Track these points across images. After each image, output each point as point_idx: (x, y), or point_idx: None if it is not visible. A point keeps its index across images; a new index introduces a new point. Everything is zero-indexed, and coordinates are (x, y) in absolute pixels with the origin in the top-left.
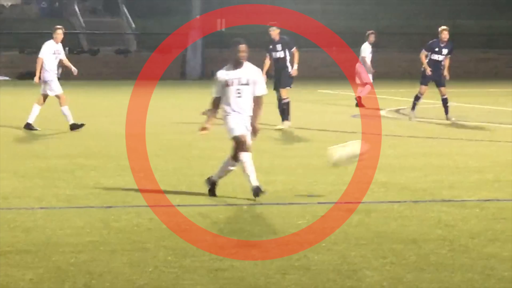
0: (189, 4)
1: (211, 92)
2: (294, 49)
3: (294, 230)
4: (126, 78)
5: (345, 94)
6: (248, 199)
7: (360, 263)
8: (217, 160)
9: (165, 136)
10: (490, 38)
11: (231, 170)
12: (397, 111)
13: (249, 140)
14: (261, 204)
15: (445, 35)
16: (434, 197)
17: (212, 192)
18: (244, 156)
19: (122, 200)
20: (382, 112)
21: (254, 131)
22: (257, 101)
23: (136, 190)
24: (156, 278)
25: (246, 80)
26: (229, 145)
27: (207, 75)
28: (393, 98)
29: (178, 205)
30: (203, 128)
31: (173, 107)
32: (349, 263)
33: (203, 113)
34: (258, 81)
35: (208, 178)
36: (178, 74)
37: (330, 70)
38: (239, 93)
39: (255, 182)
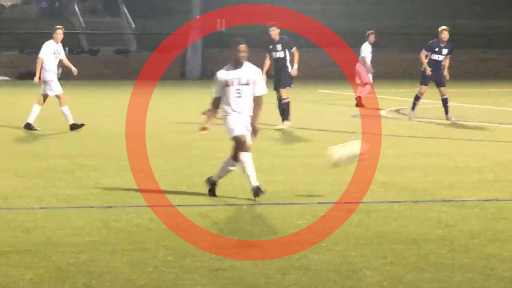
0: (189, 4)
1: (211, 92)
2: (294, 49)
3: (294, 230)
4: (126, 78)
5: (345, 94)
6: (248, 199)
7: (360, 263)
8: (217, 160)
9: (165, 136)
10: (490, 38)
11: (231, 170)
12: (397, 111)
13: (249, 140)
14: (261, 204)
15: (445, 35)
16: (434, 197)
17: (212, 192)
18: (244, 156)
19: (122, 200)
20: (382, 112)
21: (254, 131)
22: (257, 101)
23: (136, 190)
24: (156, 278)
25: (246, 80)
26: (229, 145)
27: (207, 75)
28: (393, 98)
29: (178, 205)
30: (203, 128)
31: (173, 107)
32: (349, 263)
33: (203, 113)
34: (258, 81)
35: (208, 178)
36: (178, 74)
37: (330, 70)
38: (239, 93)
39: (255, 182)
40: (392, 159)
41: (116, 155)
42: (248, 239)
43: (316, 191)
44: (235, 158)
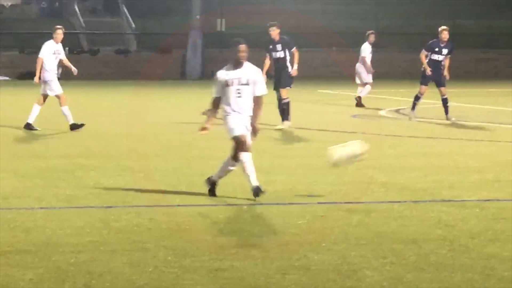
0: (189, 4)
1: (211, 92)
2: (294, 49)
3: (294, 230)
4: (126, 78)
5: (345, 94)
6: (248, 199)
7: (360, 263)
8: (217, 160)
9: (165, 136)
10: (490, 38)
11: (231, 170)
12: (397, 111)
13: (249, 140)
14: (261, 204)
15: (445, 35)
16: (434, 197)
17: (212, 192)
18: (244, 156)
19: (122, 200)
20: (382, 112)
21: (254, 131)
22: (257, 101)
23: (136, 190)
24: (156, 278)
25: (246, 80)
26: (229, 145)
27: (207, 75)
28: (393, 98)
29: (178, 205)
30: (203, 128)
31: (173, 107)
32: (349, 263)
33: (203, 113)
34: (258, 81)
35: (208, 178)
36: (178, 74)
37: (330, 70)
38: (239, 93)
39: (255, 182)
40: (392, 159)
41: (116, 155)
42: (248, 239)
43: (316, 191)
44: (235, 158)
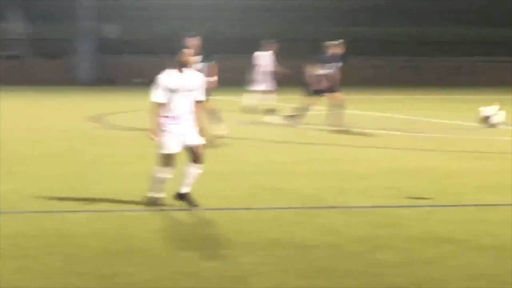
0: (82, 9)
1: (152, 97)
2: (210, 63)
3: (184, 236)
4: (17, 84)
5: (235, 101)
6: (136, 203)
7: (249, 269)
8: (108, 165)
9: (55, 142)
10: (383, 45)
11: (198, 173)
12: (286, 117)
13: (201, 148)
14: (150, 210)
15: (336, 49)
16: (322, 204)
17: (191, 203)
18: (161, 170)
19: (11, 206)
20: (270, 119)
21: (201, 135)
22: (199, 106)
23: (25, 196)
24: (45, 285)
25: (189, 86)
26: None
27: (99, 81)
28: (282, 105)
29: (67, 211)
30: (152, 134)
31: (64, 112)
32: (238, 270)
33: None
34: (200, 87)
35: (180, 194)
36: (69, 79)
37: (223, 76)
38: (182, 98)
39: (152, 194)
40: (281, 165)
41: (5, 161)
42: (139, 245)
43: (206, 197)
44: (193, 161)
